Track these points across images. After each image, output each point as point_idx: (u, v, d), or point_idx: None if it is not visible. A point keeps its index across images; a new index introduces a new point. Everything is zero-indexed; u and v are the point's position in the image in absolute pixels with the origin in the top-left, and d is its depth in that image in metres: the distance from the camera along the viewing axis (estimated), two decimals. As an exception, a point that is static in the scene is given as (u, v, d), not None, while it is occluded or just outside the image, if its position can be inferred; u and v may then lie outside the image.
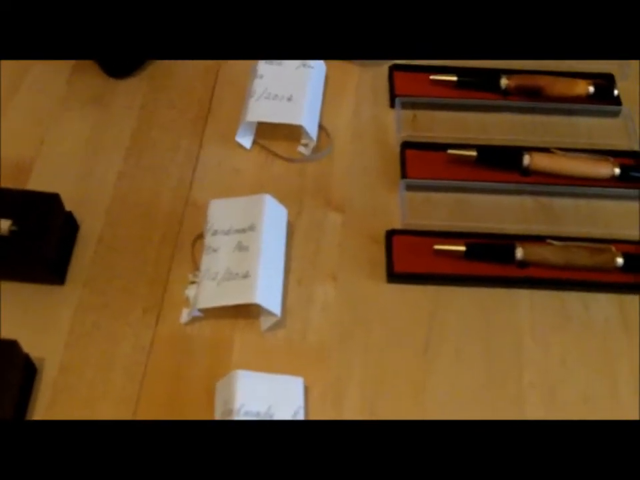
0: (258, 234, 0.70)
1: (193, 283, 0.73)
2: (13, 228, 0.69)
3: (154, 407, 0.67)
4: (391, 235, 0.76)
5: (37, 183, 0.78)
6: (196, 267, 0.74)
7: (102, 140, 0.83)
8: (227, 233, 0.71)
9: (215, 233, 0.72)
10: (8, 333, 0.67)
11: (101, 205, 0.78)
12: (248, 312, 0.72)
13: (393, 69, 0.88)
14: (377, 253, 0.76)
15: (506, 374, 0.70)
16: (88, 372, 0.69)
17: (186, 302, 0.72)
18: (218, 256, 0.70)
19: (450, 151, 0.80)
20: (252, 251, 0.70)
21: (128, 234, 0.76)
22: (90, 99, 0.85)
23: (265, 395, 0.64)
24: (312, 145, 0.81)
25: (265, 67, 0.83)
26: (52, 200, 0.71)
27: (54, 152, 0.81)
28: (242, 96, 0.84)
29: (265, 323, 0.70)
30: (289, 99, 0.80)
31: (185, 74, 0.88)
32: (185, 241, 0.76)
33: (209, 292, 0.69)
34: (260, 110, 0.80)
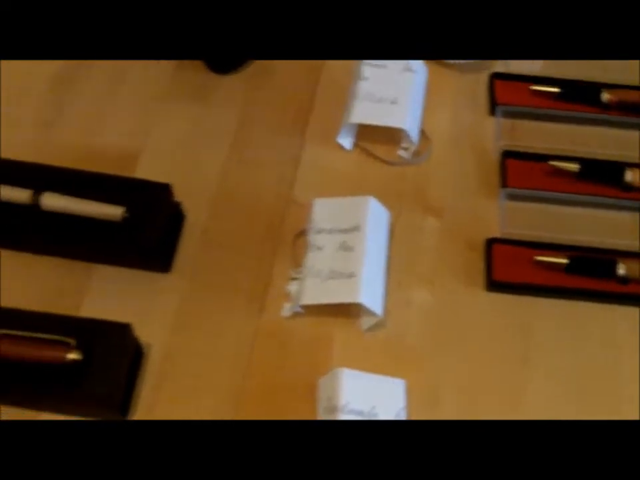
0: (362, 235, 0.71)
1: (294, 279, 0.74)
2: (126, 215, 0.72)
3: (256, 397, 0.69)
4: (490, 243, 0.76)
5: (142, 174, 0.80)
6: (297, 263, 0.75)
7: (205, 134, 0.84)
8: (331, 232, 0.73)
9: (320, 231, 0.73)
10: (116, 317, 0.69)
11: (205, 198, 0.80)
12: (348, 311, 0.73)
13: (493, 77, 0.88)
14: (474, 260, 0.76)
15: (603, 389, 0.70)
16: (192, 359, 0.71)
17: (287, 297, 0.74)
18: (322, 254, 0.72)
19: (551, 163, 0.80)
20: (357, 251, 0.71)
21: (231, 227, 0.78)
22: (193, 93, 0.87)
23: (369, 394, 0.65)
24: (412, 148, 0.82)
25: (369, 70, 0.83)
26: (164, 189, 0.73)
27: (159, 144, 0.83)
28: (343, 97, 0.85)
29: (366, 323, 0.71)
30: (393, 102, 0.81)
31: (287, 73, 0.89)
32: (286, 237, 0.78)
33: (313, 289, 0.70)
34: (363, 112, 0.81)
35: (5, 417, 0.67)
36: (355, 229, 0.72)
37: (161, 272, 0.74)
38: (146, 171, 0.81)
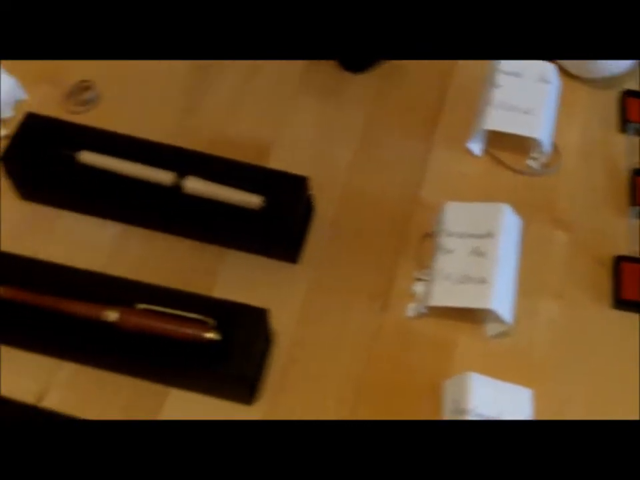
0: (496, 241, 0.72)
1: (419, 279, 0.75)
2: (264, 204, 0.73)
3: (375, 390, 0.70)
4: (619, 260, 0.76)
5: (274, 165, 0.82)
6: (422, 264, 0.76)
7: (335, 130, 0.86)
8: (462, 236, 0.73)
9: (451, 234, 0.73)
10: (245, 301, 0.71)
11: (333, 193, 0.81)
12: (473, 316, 0.73)
13: (625, 94, 0.87)
14: (602, 276, 0.76)
15: None
16: (317, 349, 0.72)
17: (412, 297, 0.74)
18: (453, 257, 0.72)
19: (686, 185, 0.79)
20: (489, 257, 0.71)
21: (358, 224, 0.79)
22: (325, 90, 0.89)
23: (496, 400, 0.65)
24: (541, 159, 0.82)
25: (503, 78, 0.84)
26: (300, 182, 0.75)
27: (290, 137, 0.85)
28: (473, 103, 0.86)
29: (492, 329, 0.72)
30: (526, 112, 0.81)
31: (418, 75, 0.89)
32: (411, 238, 0.78)
33: (443, 291, 0.71)
34: (497, 119, 0.81)
35: (132, 391, 0.70)
36: (488, 235, 0.72)
37: (290, 262, 0.76)
38: (277, 162, 0.82)
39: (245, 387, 0.67)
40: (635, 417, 0.68)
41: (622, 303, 0.73)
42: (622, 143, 0.85)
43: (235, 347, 0.66)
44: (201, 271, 0.76)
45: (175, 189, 0.74)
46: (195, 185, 0.74)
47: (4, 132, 0.84)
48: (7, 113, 0.85)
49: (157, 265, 0.76)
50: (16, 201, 0.80)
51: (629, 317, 0.74)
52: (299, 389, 0.70)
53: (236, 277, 0.76)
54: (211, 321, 0.67)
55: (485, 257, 0.71)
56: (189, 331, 0.66)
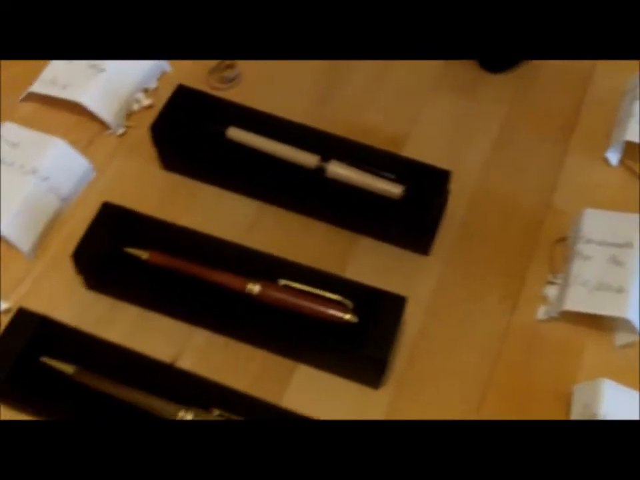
0: (635, 252, 0.72)
1: (551, 283, 0.75)
2: (405, 194, 0.75)
3: (501, 391, 0.70)
4: None
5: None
6: (554, 268, 0.76)
7: (470, 127, 0.86)
8: (601, 244, 0.73)
9: (589, 241, 0.74)
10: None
11: (466, 189, 0.82)
12: (601, 324, 0.73)
13: None
14: None
15: None
16: (444, 342, 0.73)
17: (542, 300, 0.75)
18: (590, 264, 0.72)
19: None
20: (627, 267, 0.71)
21: (489, 223, 0.80)
22: (461, 86, 0.89)
23: (627, 408, 0.65)
24: (680, 177, 0.82)
25: (647, 92, 0.83)
26: (442, 175, 0.76)
27: (425, 131, 0.86)
28: (611, 113, 0.85)
29: (621, 339, 0.72)
30: (668, 126, 0.81)
31: (555, 79, 0.89)
32: (543, 242, 0.79)
33: (579, 296, 0.71)
34: (638, 131, 0.81)
35: (263, 363, 0.72)
36: (628, 245, 0.72)
37: (422, 254, 0.77)
38: (411, 154, 0.83)
39: (377, 371, 0.68)
40: None
41: None
42: None
43: (371, 331, 0.67)
44: (334, 254, 0.77)
45: (318, 172, 0.76)
46: (338, 170, 0.75)
47: (147, 102, 0.87)
48: (151, 84, 0.89)
49: (290, 244, 0.78)
50: (158, 170, 0.83)
51: None
52: (424, 379, 0.71)
53: (368, 263, 0.77)
54: (349, 303, 0.69)
55: (623, 267, 0.71)
56: (329, 311, 0.68)
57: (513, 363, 0.72)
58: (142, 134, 0.83)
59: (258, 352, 0.73)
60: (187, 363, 0.72)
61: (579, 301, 0.71)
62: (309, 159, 0.76)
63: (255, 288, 0.69)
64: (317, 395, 0.70)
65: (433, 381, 0.71)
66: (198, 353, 0.73)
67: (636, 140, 0.81)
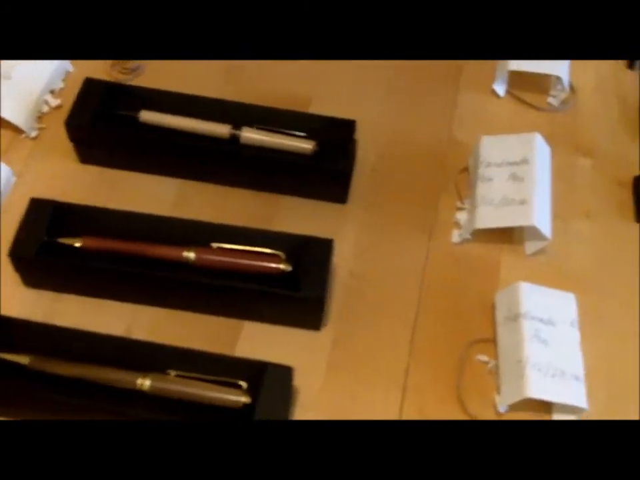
0: (532, 167, 0.79)
1: (460, 209, 0.82)
2: (316, 149, 0.79)
3: (433, 310, 0.76)
4: (639, 179, 0.83)
5: (314, 116, 0.88)
6: (461, 195, 0.83)
7: (366, 79, 0.93)
8: (500, 165, 0.80)
9: (489, 164, 0.80)
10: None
11: (372, 136, 0.87)
12: (512, 237, 0.80)
13: (629, 32, 0.95)
14: (625, 195, 0.84)
15: None
16: (374, 278, 0.79)
17: (455, 225, 0.81)
18: (493, 184, 0.79)
19: (694, 108, 0.86)
20: (527, 181, 0.78)
21: (399, 164, 0.86)
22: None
23: (545, 304, 0.72)
24: (561, 96, 0.89)
25: (519, 23, 0.90)
26: (349, 126, 0.81)
27: (327, 89, 0.92)
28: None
29: (531, 247, 0.79)
30: (544, 53, 0.88)
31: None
32: (449, 173, 0.85)
33: (486, 215, 0.78)
34: (520, 61, 0.88)
35: (210, 327, 0.75)
36: (524, 161, 0.79)
37: (340, 203, 0.82)
38: (318, 112, 0.87)
39: (316, 312, 0.73)
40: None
41: (644, 216, 0.81)
42: (631, 77, 0.93)
43: (305, 275, 0.72)
44: (260, 218, 0.82)
45: (233, 141, 0.80)
46: (251, 135, 0.80)
47: (56, 102, 0.89)
48: (57, 85, 0.91)
49: (216, 215, 0.81)
50: (78, 165, 0.85)
51: (651, 229, 0.82)
52: (363, 315, 0.76)
53: (292, 220, 0.81)
54: (281, 254, 0.73)
55: (523, 181, 0.78)
56: (263, 263, 0.72)
57: (438, 284, 0.78)
58: (56, 133, 0.85)
59: (204, 317, 0.76)
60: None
61: (487, 218, 0.78)
62: (221, 129, 0.80)
63: (190, 255, 0.73)
64: (266, 346, 0.74)
65: (370, 315, 0.77)
66: (147, 329, 0.75)
67: (519, 69, 0.88)
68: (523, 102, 0.90)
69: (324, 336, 0.75)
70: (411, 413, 0.71)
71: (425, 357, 0.74)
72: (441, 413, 0.71)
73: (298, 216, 0.82)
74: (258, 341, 0.75)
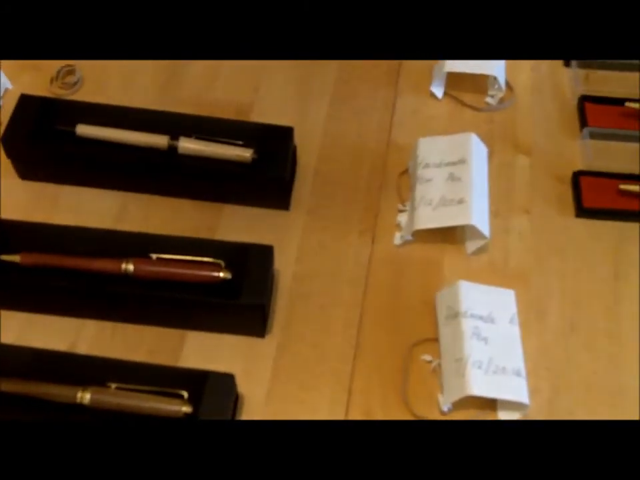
0: (468, 166, 0.80)
1: (402, 211, 0.82)
2: (255, 156, 0.80)
3: (377, 312, 0.77)
4: (577, 175, 0.84)
5: (255, 123, 0.88)
6: (402, 198, 0.83)
7: (308, 87, 0.93)
8: (439, 165, 0.81)
9: (427, 165, 0.81)
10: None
11: (313, 142, 0.88)
12: (454, 237, 0.81)
13: (565, 31, 0.96)
14: (563, 191, 0.85)
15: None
16: (318, 282, 0.79)
17: (397, 227, 0.82)
18: (431, 185, 0.80)
19: (628, 104, 0.88)
20: (464, 181, 0.79)
21: (340, 168, 0.86)
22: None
23: (485, 301, 0.73)
24: (498, 96, 0.91)
25: (455, 26, 0.92)
26: (287, 133, 0.81)
27: (268, 98, 0.92)
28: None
29: (472, 246, 0.79)
30: (481, 56, 0.89)
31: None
32: (389, 176, 0.86)
33: (425, 215, 0.78)
34: (456, 62, 0.89)
35: (153, 339, 0.75)
36: (461, 161, 0.80)
37: (283, 209, 0.83)
38: (258, 120, 0.88)
39: (258, 318, 0.73)
40: (604, 309, 0.77)
41: (584, 211, 0.82)
42: (568, 74, 0.94)
43: (245, 282, 0.72)
44: (202, 227, 0.81)
45: (171, 152, 0.80)
46: (188, 145, 0.80)
47: (-5, 120, 0.89)
48: (-4, 102, 0.90)
49: (158, 227, 0.81)
50: (17, 181, 0.85)
51: (590, 224, 0.82)
52: (307, 319, 0.76)
53: (234, 228, 0.81)
54: (221, 262, 0.73)
55: (461, 181, 0.79)
56: (203, 272, 0.72)
57: (382, 286, 0.78)
58: (-6, 150, 0.85)
59: (146, 329, 0.76)
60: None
61: (426, 219, 0.78)
62: (159, 140, 0.80)
63: (129, 266, 0.72)
64: (210, 355, 0.74)
65: (314, 319, 0.77)
66: (91, 343, 0.75)
67: (454, 70, 0.89)
68: (461, 102, 0.91)
69: (268, 342, 0.75)
70: (357, 416, 0.71)
71: (370, 359, 0.74)
72: (387, 414, 0.71)
73: (241, 224, 0.82)
74: (202, 350, 0.75)
